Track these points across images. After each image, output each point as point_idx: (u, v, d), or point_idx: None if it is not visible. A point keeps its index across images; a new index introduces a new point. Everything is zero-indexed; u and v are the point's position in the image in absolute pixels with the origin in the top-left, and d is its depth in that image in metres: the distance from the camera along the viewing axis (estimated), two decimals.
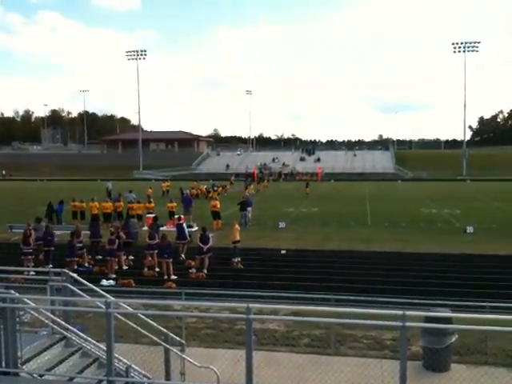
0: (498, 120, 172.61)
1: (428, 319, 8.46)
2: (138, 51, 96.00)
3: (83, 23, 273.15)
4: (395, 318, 5.78)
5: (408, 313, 5.73)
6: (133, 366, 7.69)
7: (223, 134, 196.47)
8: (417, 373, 9.24)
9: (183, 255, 19.81)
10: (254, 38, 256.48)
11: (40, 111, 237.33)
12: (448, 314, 9.12)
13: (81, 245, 19.36)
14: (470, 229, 25.89)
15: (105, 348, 6.95)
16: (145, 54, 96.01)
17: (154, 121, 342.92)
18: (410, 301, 11.10)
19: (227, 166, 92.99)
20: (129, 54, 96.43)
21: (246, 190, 41.89)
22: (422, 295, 13.32)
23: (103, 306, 6.74)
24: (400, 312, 5.70)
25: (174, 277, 17.31)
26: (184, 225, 21.07)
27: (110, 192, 42.55)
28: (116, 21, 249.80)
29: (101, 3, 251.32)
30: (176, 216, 25.54)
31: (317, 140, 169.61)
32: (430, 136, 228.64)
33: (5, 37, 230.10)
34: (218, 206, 28.68)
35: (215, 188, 46.45)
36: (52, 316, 7.72)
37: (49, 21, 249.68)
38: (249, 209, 29.33)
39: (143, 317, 8.34)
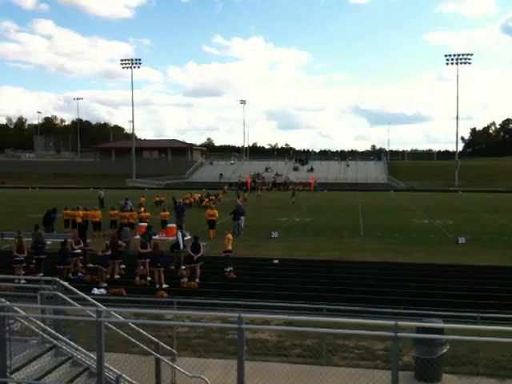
0: (490, 132, 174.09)
1: (420, 329, 8.46)
2: (132, 60, 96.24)
3: (77, 31, 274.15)
4: (387, 328, 5.78)
5: (400, 323, 5.73)
6: (123, 375, 7.63)
7: (217, 143, 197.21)
8: (408, 383, 9.22)
9: (182, 267, 19.54)
10: (248, 48, 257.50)
11: (33, 119, 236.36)
12: (440, 324, 9.13)
13: (79, 251, 19.30)
14: (461, 239, 25.97)
15: (95, 357, 6.90)
16: (139, 63, 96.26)
17: (148, 129, 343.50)
18: (402, 311, 11.10)
19: (220, 175, 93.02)
20: (123, 62, 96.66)
21: (239, 200, 41.89)
22: (414, 305, 13.32)
23: (94, 315, 6.70)
24: (392, 322, 5.70)
25: (165, 285, 17.23)
26: (182, 234, 20.86)
27: (103, 200, 42.42)
28: (110, 29, 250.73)
29: (95, 12, 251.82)
30: (170, 225, 25.58)
31: (310, 150, 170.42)
32: (423, 147, 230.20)
33: None
34: (217, 215, 28.63)
35: (210, 197, 46.45)
36: (42, 325, 7.66)
37: (43, 29, 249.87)
38: (242, 218, 29.28)
39: (134, 326, 8.29)
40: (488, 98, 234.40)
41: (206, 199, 45.16)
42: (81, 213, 29.15)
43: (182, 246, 20.05)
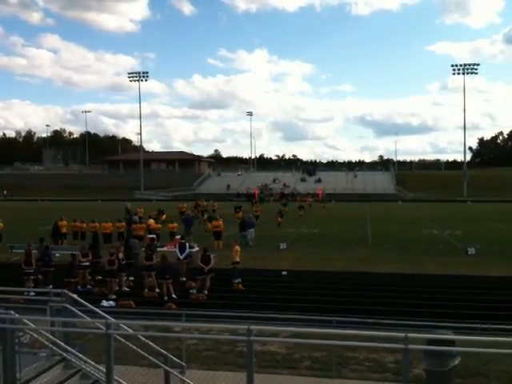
0: (498, 141, 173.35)
1: (431, 341, 8.38)
2: (140, 73, 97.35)
3: (83, 46, 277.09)
4: (397, 340, 5.74)
5: (410, 335, 5.69)
6: None
7: (224, 154, 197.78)
8: None
9: (183, 278, 19.70)
10: (252, 60, 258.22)
11: (41, 132, 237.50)
12: (451, 336, 9.03)
13: (87, 264, 19.35)
14: (471, 250, 25.77)
15: (104, 370, 6.89)
16: (147, 76, 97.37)
17: (155, 141, 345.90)
18: (413, 323, 11.00)
19: (228, 186, 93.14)
20: (131, 75, 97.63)
21: (253, 208, 41.62)
22: (424, 317, 13.21)
23: (103, 327, 6.70)
24: (402, 334, 5.66)
25: (174, 295, 17.28)
26: (180, 245, 20.94)
27: (130, 211, 41.29)
28: (116, 43, 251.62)
29: (100, 26, 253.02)
30: (178, 236, 25.56)
31: (317, 161, 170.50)
32: (430, 157, 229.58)
33: (6, 59, 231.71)
34: (222, 226, 28.69)
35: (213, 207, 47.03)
36: (52, 337, 7.67)
37: (49, 43, 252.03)
38: (250, 230, 29.28)
39: (143, 338, 8.27)
40: (494, 107, 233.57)
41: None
42: (65, 223, 30.06)
43: (181, 257, 20.17)
